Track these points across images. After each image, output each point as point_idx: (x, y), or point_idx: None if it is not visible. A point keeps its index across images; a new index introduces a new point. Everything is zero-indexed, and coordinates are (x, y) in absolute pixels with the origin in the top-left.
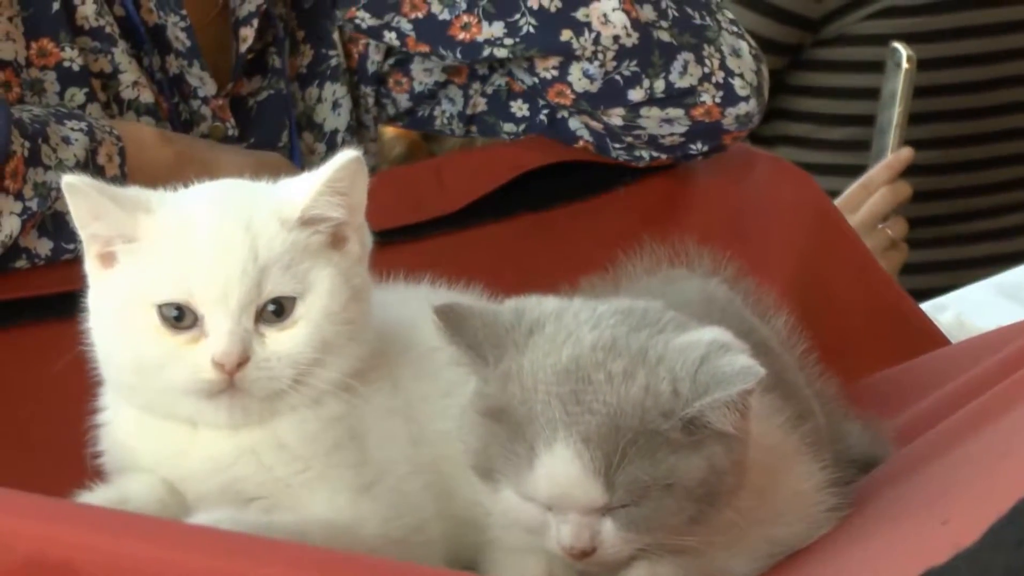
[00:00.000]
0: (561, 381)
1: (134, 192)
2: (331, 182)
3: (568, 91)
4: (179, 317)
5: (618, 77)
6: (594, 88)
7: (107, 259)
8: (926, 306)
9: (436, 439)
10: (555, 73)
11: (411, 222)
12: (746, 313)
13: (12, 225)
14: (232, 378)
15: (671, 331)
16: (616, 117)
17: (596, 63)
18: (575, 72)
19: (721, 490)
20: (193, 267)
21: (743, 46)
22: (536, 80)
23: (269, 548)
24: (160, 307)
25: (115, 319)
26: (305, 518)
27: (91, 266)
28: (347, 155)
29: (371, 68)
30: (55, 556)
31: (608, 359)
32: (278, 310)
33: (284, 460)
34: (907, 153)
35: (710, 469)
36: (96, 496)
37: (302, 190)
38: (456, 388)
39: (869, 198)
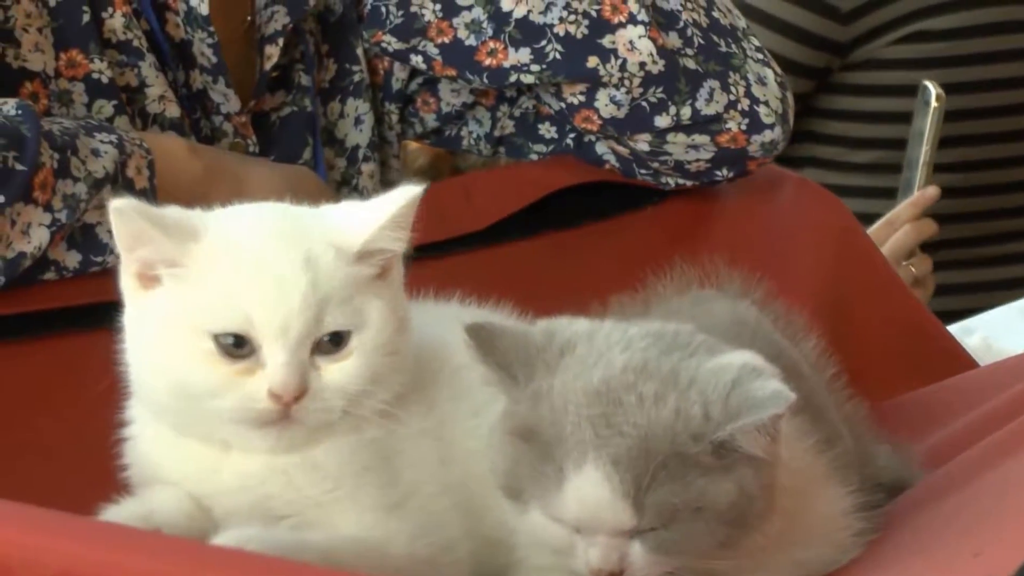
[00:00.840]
0: (592, 403)
1: (181, 217)
2: (396, 218)
3: (595, 117)
4: (236, 345)
5: (644, 103)
6: (621, 114)
7: (148, 280)
8: (953, 328)
9: (465, 458)
10: (582, 99)
11: (438, 239)
12: (776, 336)
13: (41, 237)
14: (288, 409)
15: (702, 354)
16: (642, 143)
17: (623, 89)
18: (602, 98)
19: (751, 514)
20: (254, 298)
21: (768, 73)
22: (563, 105)
23: (293, 571)
24: (216, 335)
25: (160, 342)
26: (333, 536)
27: (129, 285)
28: (412, 191)
29: (396, 85)
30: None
31: (639, 381)
32: (333, 341)
33: (315, 480)
34: (933, 191)
35: (740, 493)
36: (122, 510)
37: (363, 223)
38: (486, 408)
39: (894, 234)
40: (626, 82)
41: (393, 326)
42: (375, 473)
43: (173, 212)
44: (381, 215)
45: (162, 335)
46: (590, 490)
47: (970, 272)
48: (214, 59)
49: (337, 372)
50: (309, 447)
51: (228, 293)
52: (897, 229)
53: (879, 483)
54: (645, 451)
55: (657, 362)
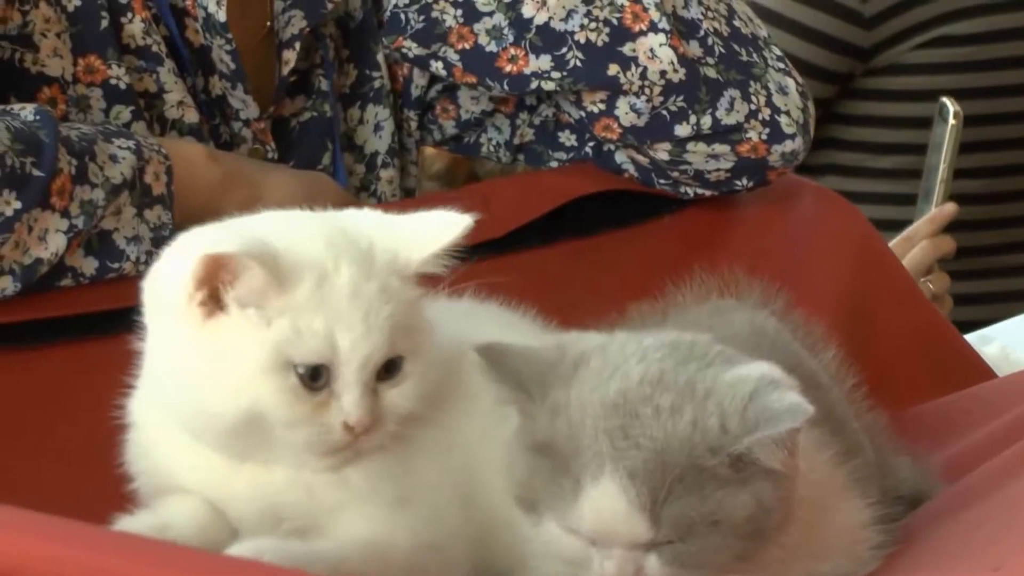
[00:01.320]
0: (608, 415)
1: (274, 247)
2: (450, 246)
3: (615, 125)
4: (312, 377)
5: (665, 112)
6: (641, 123)
7: (211, 310)
8: (971, 337)
9: (467, 445)
10: (602, 107)
11: None
12: (795, 346)
13: (58, 243)
14: (357, 440)
15: (719, 365)
16: (662, 152)
17: (643, 98)
18: (622, 106)
19: (768, 527)
20: (342, 331)
21: (790, 83)
22: (583, 114)
23: None
24: (297, 366)
25: (232, 373)
26: (343, 543)
27: (190, 314)
28: (463, 221)
29: (415, 92)
30: None
31: (655, 393)
32: (387, 366)
33: (336, 491)
34: (951, 208)
35: (757, 506)
36: (136, 522)
37: (414, 247)
38: (481, 391)
39: (911, 250)
40: (647, 90)
41: (433, 344)
42: (390, 475)
43: (264, 246)
44: (436, 242)
45: (235, 366)
46: (606, 502)
47: (989, 282)
48: (232, 65)
49: (397, 398)
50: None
51: (317, 325)
52: (915, 245)
53: (899, 495)
54: (662, 464)
55: (674, 373)
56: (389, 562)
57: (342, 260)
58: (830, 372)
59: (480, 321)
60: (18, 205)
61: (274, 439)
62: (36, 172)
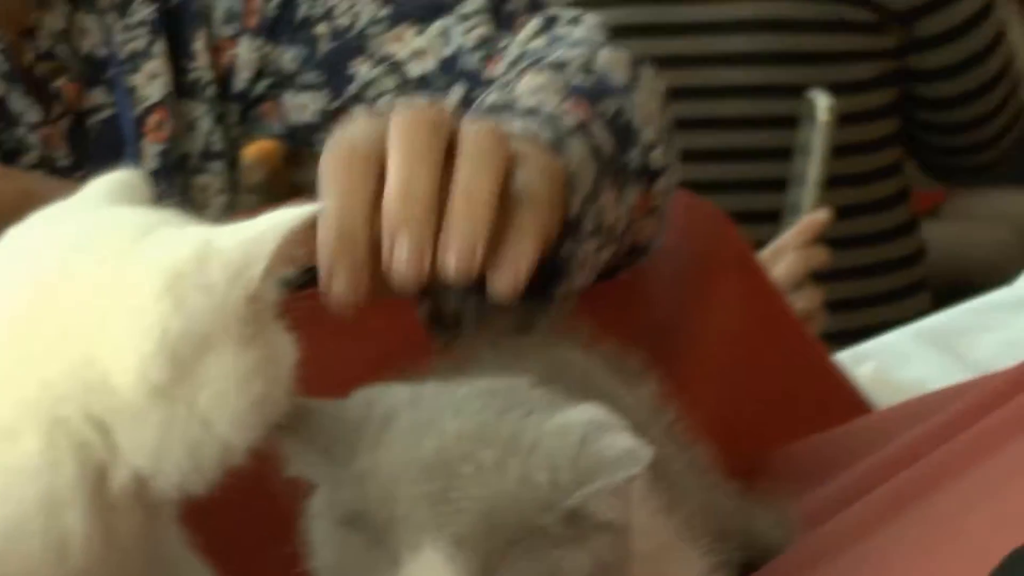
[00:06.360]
0: (425, 478)
1: None
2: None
3: None
4: None
5: None
6: None
7: None
8: (844, 356)
9: None
10: None
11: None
12: (606, 381)
13: None
14: None
15: (541, 411)
16: None
17: None
18: None
19: None
20: None
21: None
22: None
23: None
24: None
25: None
26: None
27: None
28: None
29: (239, 85)
30: None
31: (476, 449)
32: None
33: None
34: (823, 215)
35: (595, 564)
36: None
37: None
38: None
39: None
40: None
41: None
42: None
43: None
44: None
45: None
46: None
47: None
48: (5, 66)
49: None
50: None
51: None
52: (783, 259)
53: (726, 533)
54: (490, 527)
55: (495, 425)
56: None
57: None
58: (647, 406)
59: None
60: None
61: None
62: None
